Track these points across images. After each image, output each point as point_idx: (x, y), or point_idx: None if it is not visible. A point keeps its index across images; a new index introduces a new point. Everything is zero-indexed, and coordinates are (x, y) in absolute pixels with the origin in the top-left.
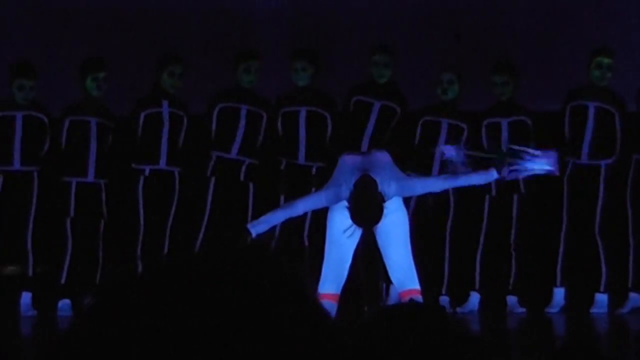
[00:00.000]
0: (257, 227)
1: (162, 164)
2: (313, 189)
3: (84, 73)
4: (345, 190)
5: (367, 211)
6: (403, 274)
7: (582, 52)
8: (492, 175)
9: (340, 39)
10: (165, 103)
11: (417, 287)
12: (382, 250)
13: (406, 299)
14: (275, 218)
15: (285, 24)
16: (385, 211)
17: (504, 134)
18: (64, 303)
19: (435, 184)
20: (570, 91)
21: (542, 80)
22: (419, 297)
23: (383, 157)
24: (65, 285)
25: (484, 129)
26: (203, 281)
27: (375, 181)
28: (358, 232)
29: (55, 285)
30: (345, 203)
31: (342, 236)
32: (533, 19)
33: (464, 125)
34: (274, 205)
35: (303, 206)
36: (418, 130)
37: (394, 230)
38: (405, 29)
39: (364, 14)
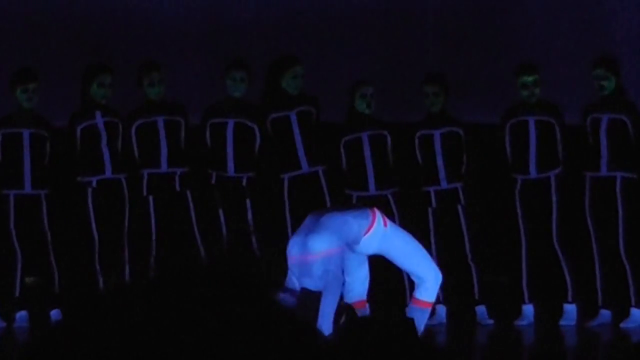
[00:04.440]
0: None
1: (108, 173)
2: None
3: (13, 85)
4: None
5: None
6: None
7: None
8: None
9: (318, 45)
10: (98, 114)
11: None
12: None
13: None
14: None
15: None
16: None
17: (437, 146)
18: (21, 315)
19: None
20: (508, 109)
21: (476, 92)
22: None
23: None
24: (20, 297)
25: (417, 141)
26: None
27: (317, 297)
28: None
29: (11, 298)
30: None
31: None
32: (468, 30)
33: (386, 133)
34: (214, 210)
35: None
36: (342, 150)
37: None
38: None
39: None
